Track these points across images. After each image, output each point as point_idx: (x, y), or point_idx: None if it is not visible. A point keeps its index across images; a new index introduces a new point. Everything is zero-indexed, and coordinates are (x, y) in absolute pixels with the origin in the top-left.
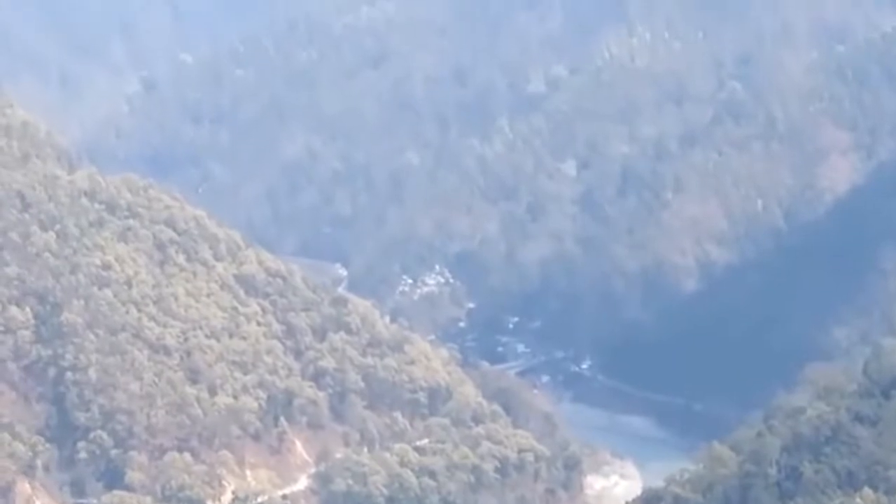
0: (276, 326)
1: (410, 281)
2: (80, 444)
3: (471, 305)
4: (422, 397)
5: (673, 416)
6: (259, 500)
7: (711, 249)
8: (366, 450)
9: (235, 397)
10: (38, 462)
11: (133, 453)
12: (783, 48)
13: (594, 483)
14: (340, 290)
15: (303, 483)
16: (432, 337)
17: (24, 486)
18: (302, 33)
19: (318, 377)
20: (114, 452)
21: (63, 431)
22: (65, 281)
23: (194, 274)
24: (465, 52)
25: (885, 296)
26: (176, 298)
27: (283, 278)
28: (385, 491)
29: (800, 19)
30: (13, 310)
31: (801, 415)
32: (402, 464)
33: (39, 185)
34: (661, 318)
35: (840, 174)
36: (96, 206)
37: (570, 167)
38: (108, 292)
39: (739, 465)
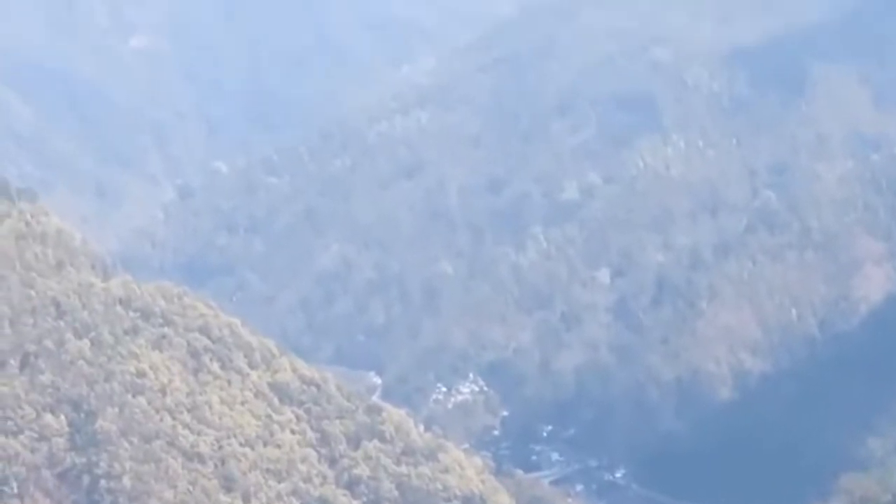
0: (311, 434)
1: (444, 389)
2: None
3: (504, 414)
4: None
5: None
6: None
7: (746, 358)
8: None
9: None
10: None
11: None
12: (817, 157)
13: None
14: (374, 398)
15: None
16: (466, 445)
17: None
18: (336, 142)
19: (352, 485)
20: None
21: None
22: (99, 388)
23: (229, 382)
24: (499, 161)
25: None
26: (210, 406)
27: (318, 386)
28: None
29: (834, 129)
30: (48, 417)
31: None
32: None
33: (74, 293)
34: (696, 427)
35: (874, 284)
36: (131, 313)
37: (604, 276)
38: (142, 400)
39: None
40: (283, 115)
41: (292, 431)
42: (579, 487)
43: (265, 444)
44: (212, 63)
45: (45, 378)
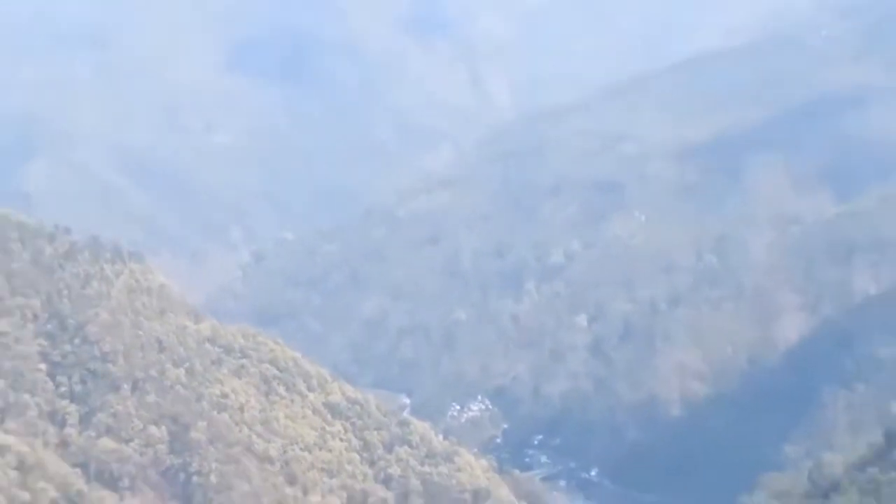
0: (355, 442)
1: (458, 408)
2: None
3: (505, 426)
4: (467, 497)
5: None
6: None
7: (692, 385)
8: None
9: (323, 496)
10: None
11: None
12: (749, 229)
13: None
14: (405, 414)
15: None
16: (475, 450)
17: None
18: (375, 217)
19: (387, 481)
20: None
21: None
22: (192, 407)
23: (292, 401)
24: (504, 232)
25: (824, 422)
26: (277, 420)
27: (361, 405)
28: None
29: (762, 207)
30: (152, 429)
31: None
32: None
33: (173, 333)
34: (654, 438)
35: (792, 329)
36: (216, 349)
37: (582, 321)
38: (225, 415)
39: None
40: (335, 196)
41: (341, 440)
42: (562, 483)
43: (320, 449)
44: (280, 155)
45: (150, 398)
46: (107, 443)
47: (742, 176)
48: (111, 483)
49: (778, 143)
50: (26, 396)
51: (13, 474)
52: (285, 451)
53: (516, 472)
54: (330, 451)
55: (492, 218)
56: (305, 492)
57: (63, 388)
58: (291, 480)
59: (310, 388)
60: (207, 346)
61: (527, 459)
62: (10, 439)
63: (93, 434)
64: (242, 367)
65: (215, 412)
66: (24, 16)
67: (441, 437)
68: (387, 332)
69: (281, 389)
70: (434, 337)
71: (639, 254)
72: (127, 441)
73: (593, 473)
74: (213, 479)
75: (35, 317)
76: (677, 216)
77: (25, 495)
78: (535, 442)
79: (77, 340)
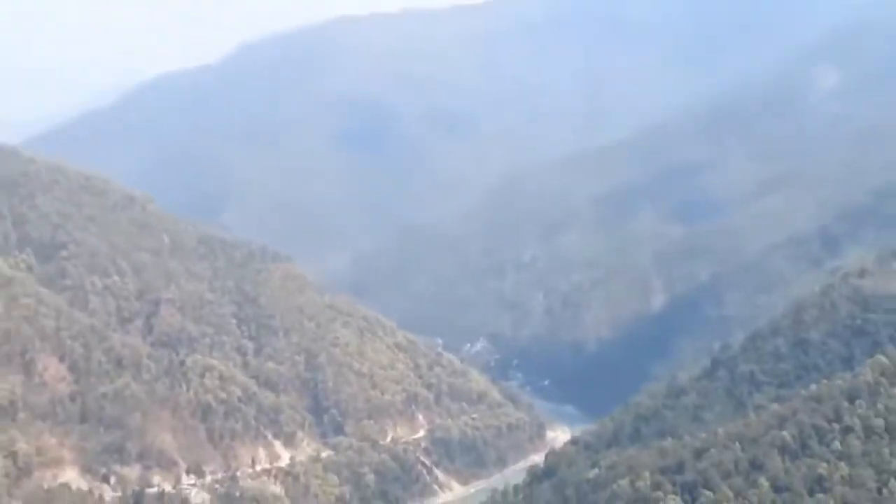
0: (410, 364)
1: (469, 345)
2: None
3: (497, 356)
4: (474, 395)
5: (586, 406)
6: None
7: (604, 332)
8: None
9: (392, 396)
10: None
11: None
12: (634, 244)
13: (551, 434)
14: (438, 349)
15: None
16: (478, 370)
17: None
18: (416, 234)
19: (429, 386)
20: None
21: None
22: (318, 344)
23: (375, 341)
24: (494, 243)
25: (679, 354)
26: (366, 353)
27: (413, 343)
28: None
29: (643, 229)
30: (296, 357)
31: (641, 404)
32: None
33: (307, 302)
34: (580, 363)
35: (661, 301)
36: (332, 311)
37: (540, 295)
38: (337, 349)
39: (615, 425)
40: (396, 220)
41: (402, 363)
42: (528, 388)
43: (391, 369)
44: (365, 193)
45: (294, 339)
46: (270, 365)
47: (631, 212)
48: (273, 388)
49: (651, 193)
50: (224, 337)
51: (217, 383)
52: (371, 370)
53: (502, 382)
54: (395, 369)
55: (487, 235)
56: (383, 392)
57: (245, 333)
58: (374, 386)
59: (385, 334)
60: (327, 309)
61: (508, 375)
62: (214, 362)
63: (262, 359)
64: (347, 321)
65: (331, 347)
66: None
67: (459, 362)
68: (425, 301)
69: (368, 335)
70: (453, 303)
71: (573, 257)
72: (280, 363)
73: (546, 383)
74: (329, 384)
75: (229, 292)
76: (596, 236)
77: (223, 395)
78: (514, 365)
79: (253, 305)
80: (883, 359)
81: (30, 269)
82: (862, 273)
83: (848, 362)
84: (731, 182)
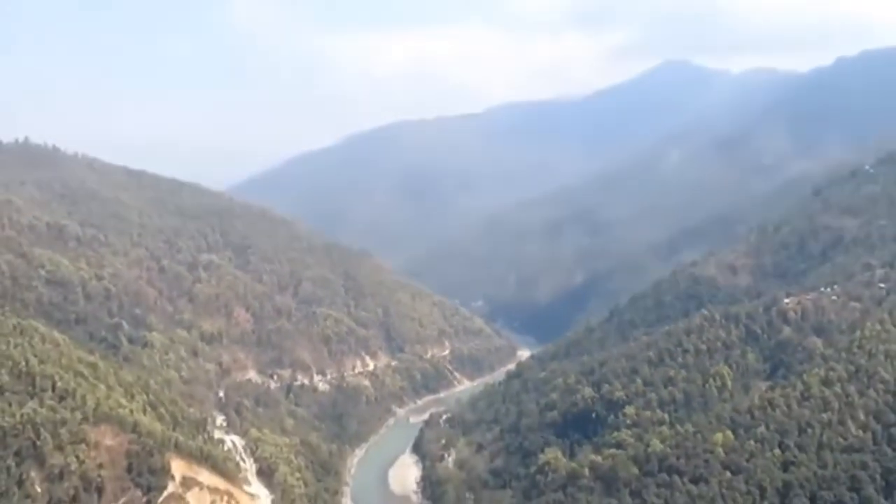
0: (440, 312)
1: (473, 303)
2: None
3: (489, 308)
4: (476, 331)
5: (540, 337)
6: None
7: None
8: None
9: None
10: None
11: None
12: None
13: (519, 353)
14: (455, 303)
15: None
16: (480, 318)
17: None
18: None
19: (453, 325)
20: None
21: None
22: (393, 298)
23: (421, 302)
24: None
25: (596, 306)
26: (417, 308)
27: (444, 302)
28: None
29: (569, 247)
30: (376, 311)
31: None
32: (473, 347)
33: (375, 269)
34: (541, 309)
35: (581, 275)
36: (399, 279)
37: (513, 275)
38: (401, 307)
39: (555, 348)
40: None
41: (437, 313)
42: (506, 327)
43: (430, 316)
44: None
45: (377, 299)
46: (362, 313)
47: (562, 231)
48: (364, 326)
49: (574, 220)
50: (337, 298)
51: (333, 323)
52: (419, 316)
53: (492, 323)
54: (432, 316)
55: (487, 245)
56: (425, 329)
57: (349, 295)
58: (421, 325)
59: (426, 297)
60: (394, 283)
61: (498, 320)
62: (332, 312)
63: (359, 311)
64: (405, 289)
65: (396, 304)
66: None
67: (468, 311)
68: (450, 278)
69: (417, 297)
70: (465, 280)
71: (532, 256)
72: (368, 313)
73: (516, 324)
74: (395, 325)
75: (340, 274)
76: (542, 246)
77: (337, 330)
78: (501, 314)
79: (353, 280)
80: (705, 311)
81: (230, 260)
82: (694, 263)
83: (686, 314)
84: (618, 214)
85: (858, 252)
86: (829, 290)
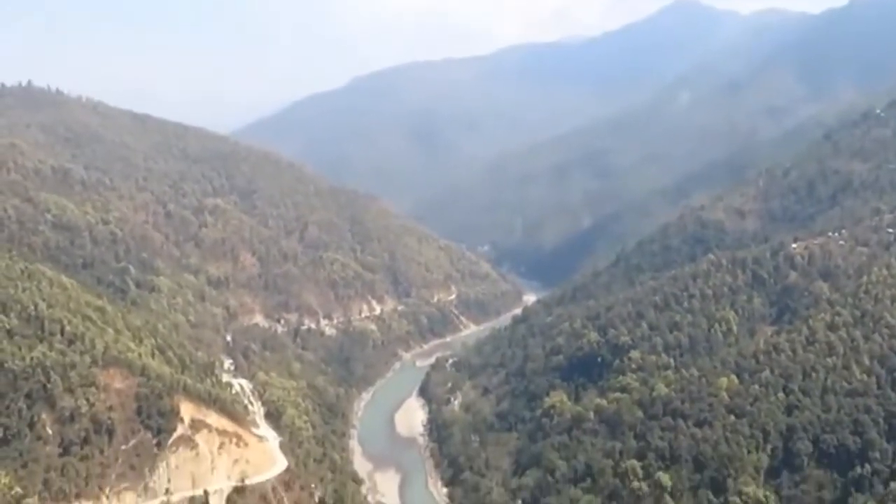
0: (447, 257)
1: (480, 248)
2: None
3: (495, 253)
4: (482, 275)
5: (546, 281)
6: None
7: (556, 239)
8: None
9: (436, 287)
10: None
11: None
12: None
13: (525, 298)
14: (464, 249)
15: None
16: (487, 263)
17: None
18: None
19: (460, 269)
20: None
21: None
22: (403, 246)
23: (428, 246)
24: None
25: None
26: (423, 253)
27: (451, 248)
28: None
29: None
30: (383, 256)
31: (576, 280)
32: (479, 292)
33: (399, 225)
34: (545, 259)
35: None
36: (407, 223)
37: (520, 223)
38: (411, 251)
39: (561, 292)
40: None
41: (444, 257)
42: (512, 272)
43: (437, 260)
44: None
45: (384, 244)
46: (369, 258)
47: (571, 175)
48: (371, 270)
49: (581, 164)
50: (343, 243)
51: (339, 267)
52: (425, 261)
53: (498, 268)
54: (439, 260)
55: (495, 188)
56: (432, 273)
57: (355, 239)
58: (427, 270)
59: (433, 241)
60: (401, 227)
61: (504, 265)
62: (338, 256)
63: (365, 255)
64: (412, 233)
65: (403, 248)
66: None
67: (475, 256)
68: (457, 222)
69: (424, 241)
70: (474, 224)
71: (538, 201)
72: (375, 257)
73: (522, 269)
74: (402, 269)
75: (346, 218)
76: (550, 189)
77: (343, 274)
78: (507, 259)
79: (359, 225)
80: (711, 256)
81: (235, 204)
82: (702, 207)
83: (692, 258)
84: (626, 157)
85: (867, 196)
86: (836, 234)
